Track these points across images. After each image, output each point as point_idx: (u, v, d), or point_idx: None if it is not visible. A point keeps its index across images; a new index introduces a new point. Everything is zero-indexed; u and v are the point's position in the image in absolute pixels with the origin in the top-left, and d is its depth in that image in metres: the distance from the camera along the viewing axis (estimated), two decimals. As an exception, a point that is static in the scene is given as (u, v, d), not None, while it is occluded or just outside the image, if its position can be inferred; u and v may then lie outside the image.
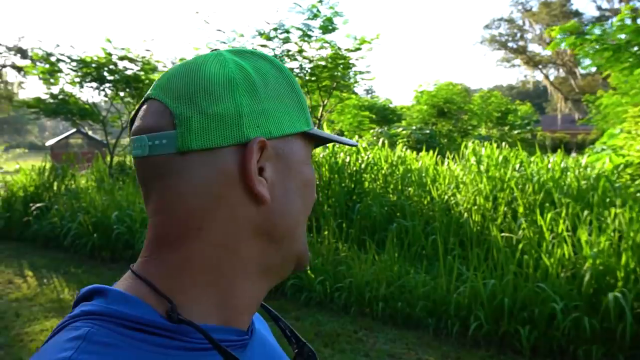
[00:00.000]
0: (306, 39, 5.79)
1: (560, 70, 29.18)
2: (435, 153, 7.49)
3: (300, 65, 6.16)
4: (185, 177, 0.48)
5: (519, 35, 25.24)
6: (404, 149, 7.72)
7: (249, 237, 0.50)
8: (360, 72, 6.38)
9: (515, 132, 17.95)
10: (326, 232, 5.40)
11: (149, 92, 0.52)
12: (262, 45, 6.02)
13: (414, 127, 10.28)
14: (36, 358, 0.42)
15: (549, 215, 4.45)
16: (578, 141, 28.61)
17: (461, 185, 5.80)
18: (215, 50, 0.54)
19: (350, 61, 6.15)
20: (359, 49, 6.18)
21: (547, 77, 25.75)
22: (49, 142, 27.29)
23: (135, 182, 7.38)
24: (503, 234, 4.75)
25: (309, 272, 4.80)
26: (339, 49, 5.94)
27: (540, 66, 26.50)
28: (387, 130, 9.24)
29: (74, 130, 24.80)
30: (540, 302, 3.70)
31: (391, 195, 6.14)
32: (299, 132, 0.53)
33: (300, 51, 5.84)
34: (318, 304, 4.67)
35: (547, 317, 3.63)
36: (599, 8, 25.55)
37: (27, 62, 10.07)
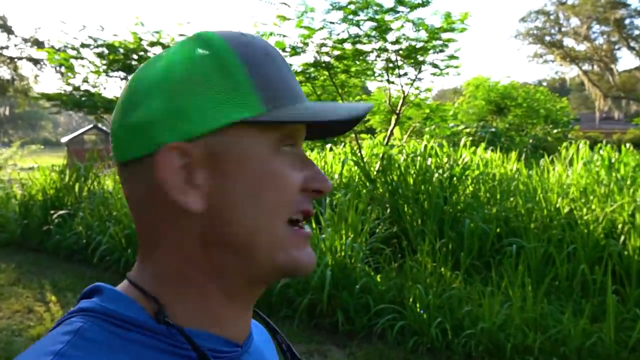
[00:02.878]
0: (394, 15, 4.67)
1: (595, 66, 27.76)
2: (503, 153, 6.39)
3: (380, 47, 5.03)
4: (129, 188, 0.47)
5: (556, 29, 23.92)
6: (472, 149, 6.57)
7: (202, 247, 0.46)
8: (451, 57, 5.24)
9: (554, 130, 16.71)
10: (424, 257, 4.29)
11: None
12: (334, 22, 4.89)
13: (474, 125, 9.17)
14: (31, 349, 0.42)
15: None
16: (613, 141, 27.21)
17: (590, 197, 4.63)
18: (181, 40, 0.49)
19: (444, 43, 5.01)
20: (451, 29, 5.04)
21: (585, 73, 24.35)
22: (64, 139, 26.42)
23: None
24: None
25: (418, 309, 3.69)
26: (435, 28, 4.80)
27: (576, 62, 25.12)
28: (431, 127, 8.05)
29: (90, 126, 23.92)
30: None
31: (490, 208, 5.00)
32: (233, 122, 0.44)
33: (386, 30, 4.71)
34: (429, 350, 3.56)
35: None
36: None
37: (44, 55, 8.98)
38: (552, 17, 24.38)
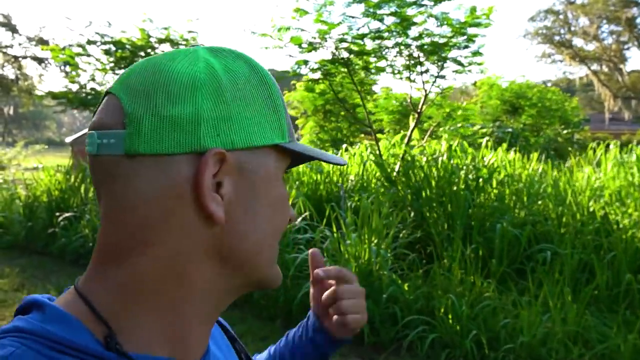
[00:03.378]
0: (418, 8, 4.42)
1: (604, 66, 27.45)
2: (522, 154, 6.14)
3: (402, 42, 4.78)
4: (133, 183, 0.43)
5: (565, 28, 23.61)
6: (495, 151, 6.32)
7: (200, 260, 0.44)
8: (475, 54, 4.98)
9: (564, 131, 16.42)
10: (452, 263, 4.04)
11: (110, 85, 0.47)
12: (354, 17, 4.65)
13: (490, 125, 8.92)
14: None
15: None
16: (623, 141, 26.87)
17: (627, 201, 4.37)
18: (196, 47, 0.49)
19: (467, 38, 4.76)
20: (476, 23, 4.79)
21: (595, 73, 24.03)
22: (69, 139, 26.25)
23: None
24: None
25: (450, 321, 3.44)
26: (460, 22, 4.55)
27: (585, 62, 24.80)
28: (451, 127, 7.80)
29: (95, 126, 23.72)
30: None
31: (517, 211, 4.75)
32: (271, 144, 0.46)
33: (409, 24, 4.46)
34: (462, 366, 3.32)
35: None
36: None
37: (49, 54, 8.78)
38: (561, 16, 24.09)
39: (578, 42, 26.39)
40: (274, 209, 0.48)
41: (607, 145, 5.62)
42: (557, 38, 24.37)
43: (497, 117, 10.42)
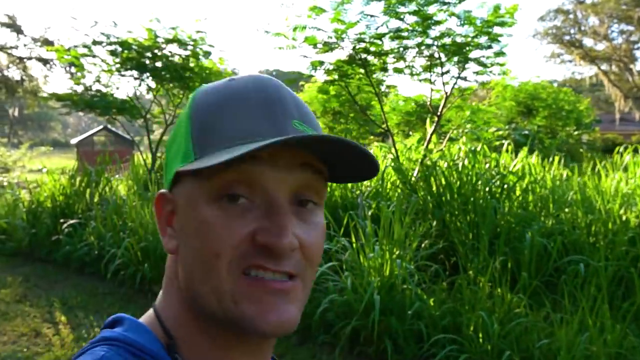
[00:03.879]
0: (441, 6, 4.18)
1: (613, 66, 27.08)
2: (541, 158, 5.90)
3: (422, 42, 4.55)
4: None
5: (575, 28, 23.27)
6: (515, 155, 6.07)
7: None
8: (498, 54, 4.74)
9: (575, 132, 16.12)
10: (476, 274, 3.81)
11: None
12: (373, 15, 4.42)
13: (506, 127, 8.67)
14: None
15: None
16: (632, 142, 26.42)
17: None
18: None
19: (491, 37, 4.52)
20: (501, 22, 4.56)
21: (605, 73, 23.67)
22: (74, 140, 26.13)
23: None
24: None
25: (481, 340, 3.21)
26: (484, 21, 4.32)
27: (596, 61, 24.46)
28: (468, 130, 7.56)
29: (100, 127, 23.59)
30: None
31: (543, 220, 4.50)
32: (173, 174, 0.49)
33: (432, 23, 4.23)
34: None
35: None
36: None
37: (54, 55, 8.62)
38: (570, 16, 23.77)
39: (588, 42, 26.07)
40: (195, 236, 0.47)
41: (635, 149, 5.37)
42: (566, 38, 24.05)
43: (511, 119, 10.15)
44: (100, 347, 0.47)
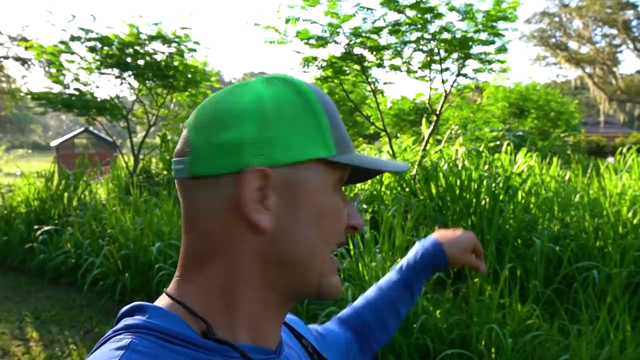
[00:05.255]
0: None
1: (597, 69, 27.36)
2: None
3: (421, 37, 4.31)
4: (198, 201, 0.50)
5: (561, 31, 23.39)
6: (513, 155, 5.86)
7: (259, 264, 0.50)
8: (499, 50, 4.52)
9: (563, 134, 16.13)
10: (482, 282, 3.56)
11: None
12: (370, 8, 4.16)
13: (500, 128, 8.49)
14: None
15: None
16: (616, 144, 26.58)
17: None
18: (257, 77, 0.54)
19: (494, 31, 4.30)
20: (504, 17, 4.34)
21: (589, 76, 23.84)
22: (54, 142, 25.44)
23: (175, 197, 5.57)
24: None
25: (493, 354, 2.95)
26: (487, 15, 4.09)
27: (580, 64, 24.63)
28: (467, 130, 7.35)
29: (81, 129, 22.98)
30: None
31: (549, 224, 4.28)
32: (315, 159, 0.51)
33: (433, 16, 3.98)
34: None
35: None
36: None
37: (32, 54, 8.21)
38: (555, 19, 23.90)
39: (573, 45, 26.28)
40: (322, 219, 0.51)
41: (639, 150, 5.20)
42: (552, 41, 24.18)
43: (503, 120, 10.00)
44: (124, 335, 0.45)
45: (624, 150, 5.33)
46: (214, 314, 0.49)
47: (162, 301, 0.51)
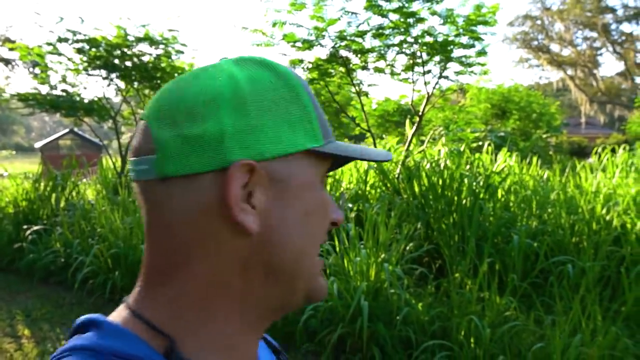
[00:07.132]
0: (423, 4, 4.09)
1: (578, 71, 27.91)
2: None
3: (404, 40, 4.46)
4: (168, 205, 0.43)
5: (543, 34, 23.85)
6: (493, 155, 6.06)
7: (240, 272, 0.45)
8: (480, 53, 4.69)
9: (544, 135, 16.47)
10: (462, 276, 3.72)
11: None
12: (354, 12, 4.29)
13: (482, 129, 8.70)
14: None
15: None
16: (597, 145, 27.18)
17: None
18: (222, 59, 0.48)
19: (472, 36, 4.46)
20: (484, 21, 4.51)
21: (571, 78, 24.34)
22: (38, 144, 25.19)
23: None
24: None
25: (472, 344, 3.10)
26: (467, 19, 4.25)
27: (562, 66, 25.12)
28: (449, 131, 7.55)
29: (66, 130, 22.79)
30: None
31: (526, 220, 4.46)
32: (303, 150, 0.45)
33: (416, 20, 4.13)
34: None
35: None
36: (625, 6, 24.25)
37: (17, 54, 8.19)
38: (538, 22, 24.35)
39: (555, 47, 26.77)
40: (311, 216, 0.47)
41: (613, 150, 5.41)
42: (534, 43, 24.62)
43: (485, 121, 10.23)
44: (73, 357, 0.40)
45: (599, 150, 5.54)
46: (181, 330, 0.43)
47: (121, 314, 0.45)
